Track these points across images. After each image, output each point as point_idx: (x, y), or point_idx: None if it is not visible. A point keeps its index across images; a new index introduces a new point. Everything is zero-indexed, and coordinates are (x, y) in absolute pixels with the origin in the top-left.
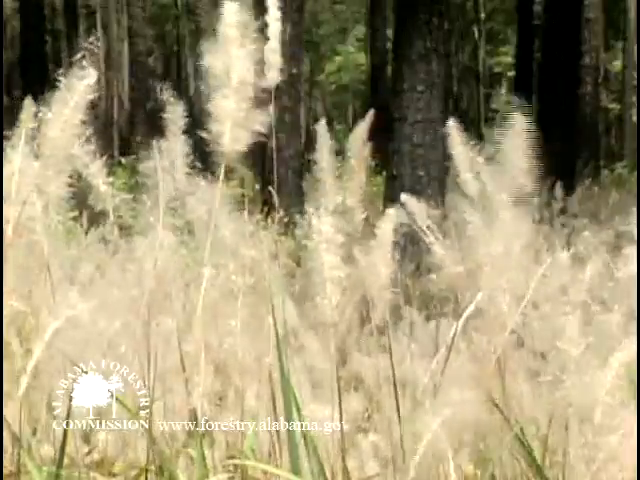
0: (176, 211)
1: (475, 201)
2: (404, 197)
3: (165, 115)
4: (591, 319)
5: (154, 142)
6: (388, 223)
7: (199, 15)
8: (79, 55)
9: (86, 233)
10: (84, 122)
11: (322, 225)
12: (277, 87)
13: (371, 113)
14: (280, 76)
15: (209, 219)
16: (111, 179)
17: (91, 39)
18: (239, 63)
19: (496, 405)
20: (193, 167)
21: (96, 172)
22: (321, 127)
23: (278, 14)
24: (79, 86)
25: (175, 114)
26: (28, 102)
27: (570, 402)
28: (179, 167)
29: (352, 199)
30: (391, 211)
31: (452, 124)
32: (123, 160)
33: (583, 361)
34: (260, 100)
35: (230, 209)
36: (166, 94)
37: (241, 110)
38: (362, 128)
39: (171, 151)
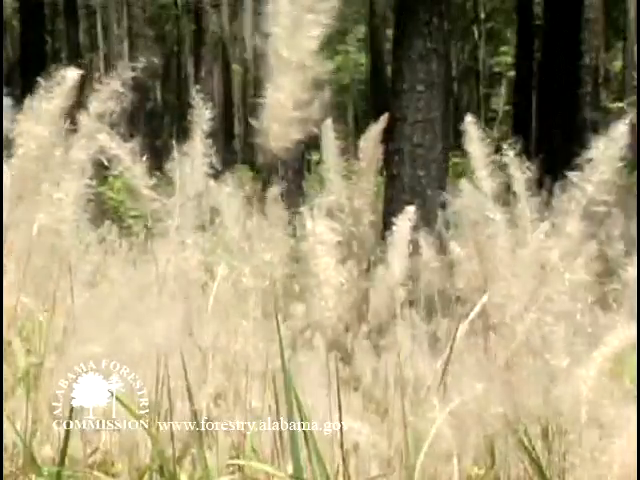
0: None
1: (490, 198)
2: None
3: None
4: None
5: (174, 144)
6: (405, 220)
7: (199, 15)
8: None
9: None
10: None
11: (317, 226)
12: None
13: (385, 116)
14: None
15: (221, 219)
16: (153, 181)
17: (142, 59)
18: (301, 39)
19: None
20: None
21: (139, 174)
22: (327, 127)
23: None
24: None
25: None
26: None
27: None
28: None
29: (360, 201)
30: (410, 208)
31: (469, 120)
32: None
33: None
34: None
35: (241, 209)
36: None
37: (293, 102)
38: (375, 130)
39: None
